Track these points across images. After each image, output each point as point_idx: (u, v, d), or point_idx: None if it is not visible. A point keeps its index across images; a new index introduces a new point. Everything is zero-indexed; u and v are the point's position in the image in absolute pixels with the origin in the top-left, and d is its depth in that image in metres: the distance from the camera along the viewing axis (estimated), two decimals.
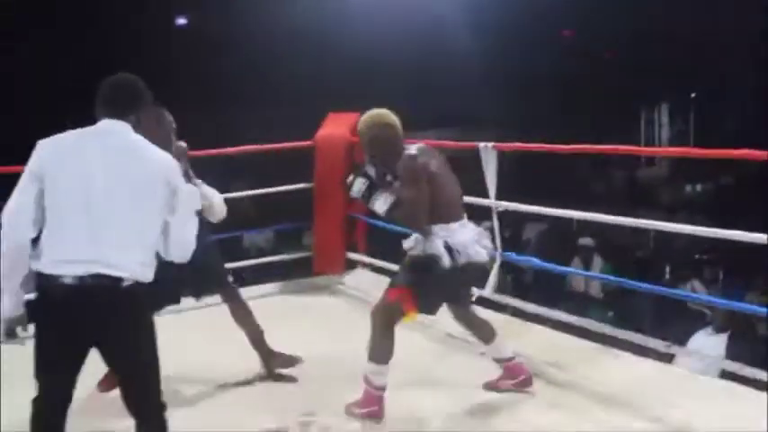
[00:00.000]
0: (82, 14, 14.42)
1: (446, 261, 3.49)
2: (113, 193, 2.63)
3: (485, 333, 3.87)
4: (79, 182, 2.63)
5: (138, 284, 2.65)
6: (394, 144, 3.59)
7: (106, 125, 2.75)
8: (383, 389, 3.61)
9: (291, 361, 4.17)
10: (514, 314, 5.19)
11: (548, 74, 15.25)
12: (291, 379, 4.14)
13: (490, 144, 4.36)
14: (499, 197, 4.59)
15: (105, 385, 3.76)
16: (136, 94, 2.83)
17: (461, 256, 3.53)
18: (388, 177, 3.60)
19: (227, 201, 4.02)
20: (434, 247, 3.50)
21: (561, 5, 13.98)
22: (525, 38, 14.83)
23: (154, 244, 2.71)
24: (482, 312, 4.82)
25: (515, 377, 3.87)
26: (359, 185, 3.58)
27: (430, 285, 3.55)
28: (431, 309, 3.69)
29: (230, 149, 6.11)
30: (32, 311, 2.71)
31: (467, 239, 3.56)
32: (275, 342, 4.20)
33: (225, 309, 4.21)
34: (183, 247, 2.78)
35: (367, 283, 5.80)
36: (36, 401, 2.77)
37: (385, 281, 5.73)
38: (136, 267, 2.64)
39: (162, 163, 2.75)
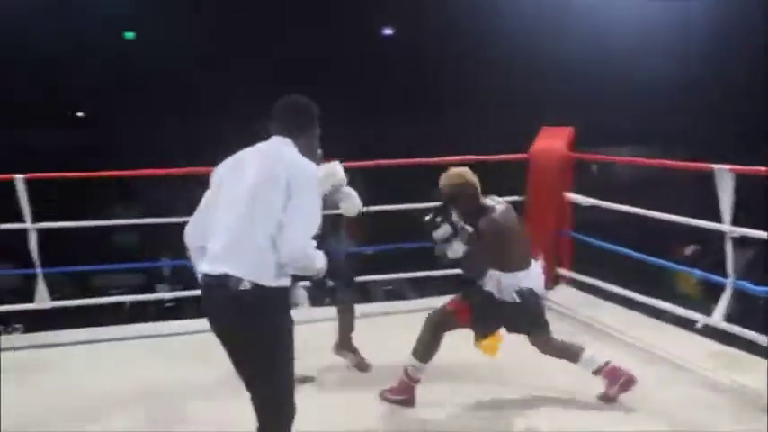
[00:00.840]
0: (286, 23, 15.08)
1: (494, 295, 3.98)
2: (245, 196, 2.75)
3: (571, 354, 4.11)
4: (225, 191, 2.82)
5: (257, 287, 2.69)
6: (471, 198, 4.03)
7: (272, 140, 2.92)
8: (418, 381, 4.11)
9: (364, 365, 4.57)
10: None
11: (745, 91, 14.46)
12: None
13: (726, 167, 4.18)
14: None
15: None
16: (302, 115, 2.98)
17: (506, 295, 3.97)
18: (466, 226, 4.00)
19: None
20: (490, 285, 3.99)
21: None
22: (727, 54, 14.16)
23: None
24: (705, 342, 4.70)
25: (617, 380, 4.01)
26: (443, 232, 3.96)
27: (480, 310, 4.00)
28: (481, 330, 4.06)
29: (439, 159, 6.19)
30: None
31: (517, 282, 3.98)
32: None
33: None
34: (291, 249, 2.69)
35: (572, 299, 5.75)
36: None
37: (590, 297, 5.73)
38: (252, 267, 2.69)
39: (291, 164, 2.79)
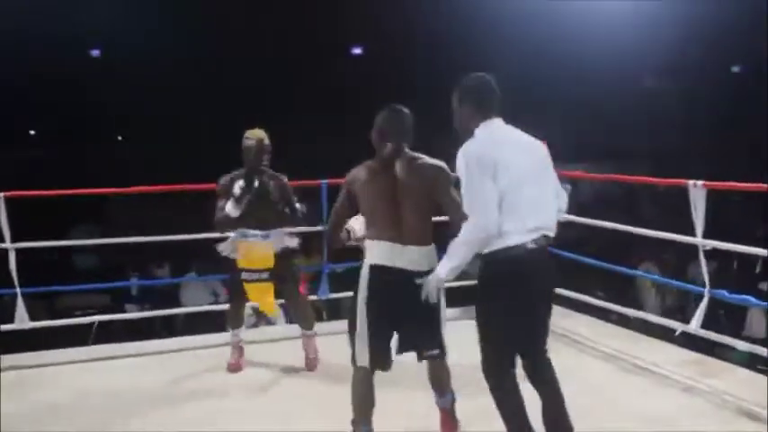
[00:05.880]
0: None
1: None
2: (535, 171, 3.25)
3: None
4: (516, 168, 3.18)
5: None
6: None
7: (501, 122, 3.34)
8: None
9: None
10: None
11: (708, 109, 14.90)
12: None
13: (700, 182, 4.35)
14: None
15: None
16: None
17: None
18: None
19: None
20: None
21: (730, 42, 13.64)
22: (691, 73, 14.54)
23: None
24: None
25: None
26: None
27: None
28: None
29: None
30: (500, 280, 3.22)
31: None
32: None
33: None
34: (565, 202, 3.46)
35: None
36: (497, 350, 3.30)
37: (563, 310, 5.85)
38: (554, 226, 3.32)
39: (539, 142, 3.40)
